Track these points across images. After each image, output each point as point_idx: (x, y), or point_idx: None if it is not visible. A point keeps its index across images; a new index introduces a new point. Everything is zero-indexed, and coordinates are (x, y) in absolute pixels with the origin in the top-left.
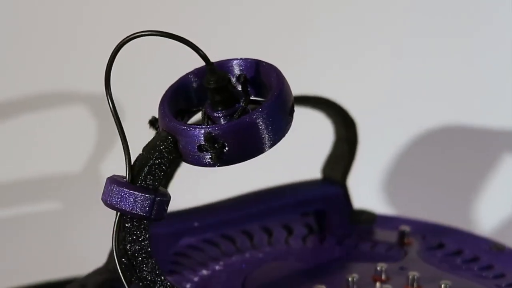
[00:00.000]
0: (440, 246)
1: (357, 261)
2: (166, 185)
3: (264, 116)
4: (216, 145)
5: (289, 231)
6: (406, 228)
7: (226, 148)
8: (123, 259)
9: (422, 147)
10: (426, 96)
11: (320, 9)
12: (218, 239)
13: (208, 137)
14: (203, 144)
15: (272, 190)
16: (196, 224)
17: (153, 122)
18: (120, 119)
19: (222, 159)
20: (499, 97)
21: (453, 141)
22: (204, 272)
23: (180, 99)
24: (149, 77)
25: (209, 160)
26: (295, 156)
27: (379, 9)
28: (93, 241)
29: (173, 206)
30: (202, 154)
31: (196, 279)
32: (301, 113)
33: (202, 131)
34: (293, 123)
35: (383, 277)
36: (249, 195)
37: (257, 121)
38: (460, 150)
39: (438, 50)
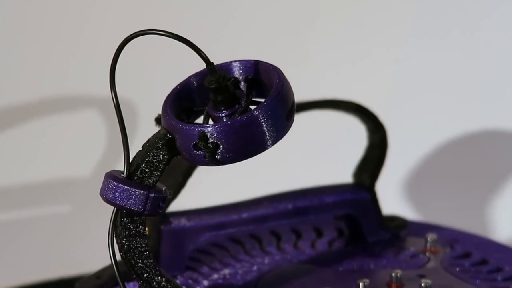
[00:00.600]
0: (467, 255)
1: (378, 266)
2: (184, 182)
3: (257, 118)
4: (209, 144)
5: (319, 234)
6: (433, 236)
7: (221, 148)
8: (121, 254)
9: (445, 151)
10: (436, 97)
11: (324, 9)
12: (245, 238)
13: (202, 136)
14: (197, 143)
15: (300, 191)
16: (224, 221)
17: (158, 120)
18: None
19: (216, 159)
20: None
21: (470, 145)
22: (225, 270)
23: (185, 99)
24: (164, 79)
25: (204, 158)
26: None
27: (383, 9)
28: (102, 241)
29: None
30: (197, 153)
31: (215, 276)
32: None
33: (196, 130)
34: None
35: (397, 283)
36: (278, 195)
37: (250, 122)
38: (485, 153)
39: (447, 51)
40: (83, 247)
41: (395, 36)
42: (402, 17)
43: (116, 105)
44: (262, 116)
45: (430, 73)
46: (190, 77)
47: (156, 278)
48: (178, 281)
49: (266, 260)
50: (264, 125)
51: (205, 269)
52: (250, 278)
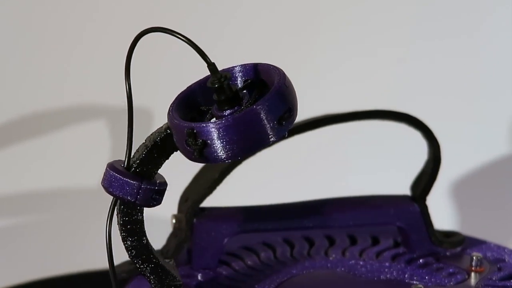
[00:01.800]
0: (511, 277)
1: (409, 280)
2: (220, 179)
3: (245, 119)
4: (198, 142)
5: (375, 242)
6: (478, 255)
7: (209, 146)
8: (122, 241)
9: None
10: (437, 97)
11: (325, 10)
12: (299, 240)
13: (190, 132)
14: (187, 139)
15: (348, 199)
16: (266, 223)
17: None
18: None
19: (205, 156)
20: None
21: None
22: (263, 269)
23: (195, 99)
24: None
25: (192, 155)
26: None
27: (385, 9)
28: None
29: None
30: (189, 149)
31: (250, 272)
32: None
33: (186, 127)
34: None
35: None
36: (328, 200)
37: (236, 123)
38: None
39: (449, 51)
40: (85, 246)
41: (398, 36)
42: (403, 18)
43: (128, 94)
44: (251, 118)
45: (432, 74)
46: (204, 77)
47: (150, 265)
48: (207, 275)
49: (302, 265)
50: (250, 128)
51: (240, 265)
52: (278, 280)
